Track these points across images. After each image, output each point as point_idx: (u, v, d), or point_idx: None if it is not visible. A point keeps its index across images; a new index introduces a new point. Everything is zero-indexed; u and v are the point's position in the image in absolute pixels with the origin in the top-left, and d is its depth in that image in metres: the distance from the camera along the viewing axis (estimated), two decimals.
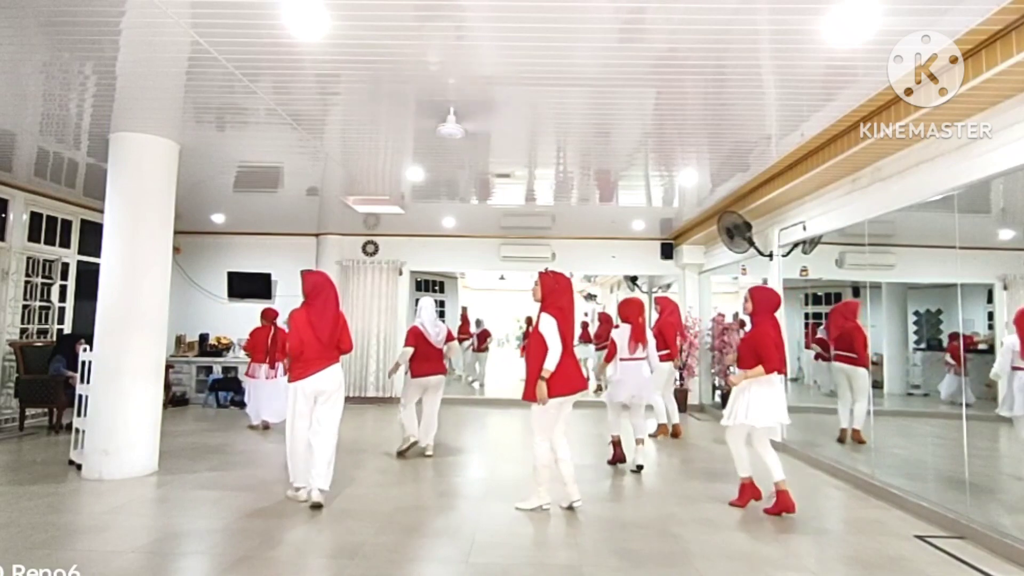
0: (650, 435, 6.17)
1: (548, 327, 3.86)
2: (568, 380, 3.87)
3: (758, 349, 3.94)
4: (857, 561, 3.21)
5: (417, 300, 6.07)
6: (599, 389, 5.99)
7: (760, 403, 3.94)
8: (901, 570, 3.10)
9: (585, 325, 11.37)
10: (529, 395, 3.86)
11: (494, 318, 12.03)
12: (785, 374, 4.24)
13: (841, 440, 5.67)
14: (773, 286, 6.48)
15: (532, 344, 3.93)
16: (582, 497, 4.02)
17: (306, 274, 4.20)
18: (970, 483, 3.82)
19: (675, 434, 6.66)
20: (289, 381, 4.04)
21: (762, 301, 4.11)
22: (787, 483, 3.95)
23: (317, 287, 4.08)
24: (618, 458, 5.27)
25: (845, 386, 5.67)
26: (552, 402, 3.82)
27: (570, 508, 3.97)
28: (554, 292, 3.97)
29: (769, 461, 3.99)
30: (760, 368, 3.90)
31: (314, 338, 3.96)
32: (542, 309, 3.97)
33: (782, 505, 3.91)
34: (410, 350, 5.45)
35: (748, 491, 4.13)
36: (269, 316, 7.09)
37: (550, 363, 3.79)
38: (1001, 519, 3.63)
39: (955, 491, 3.92)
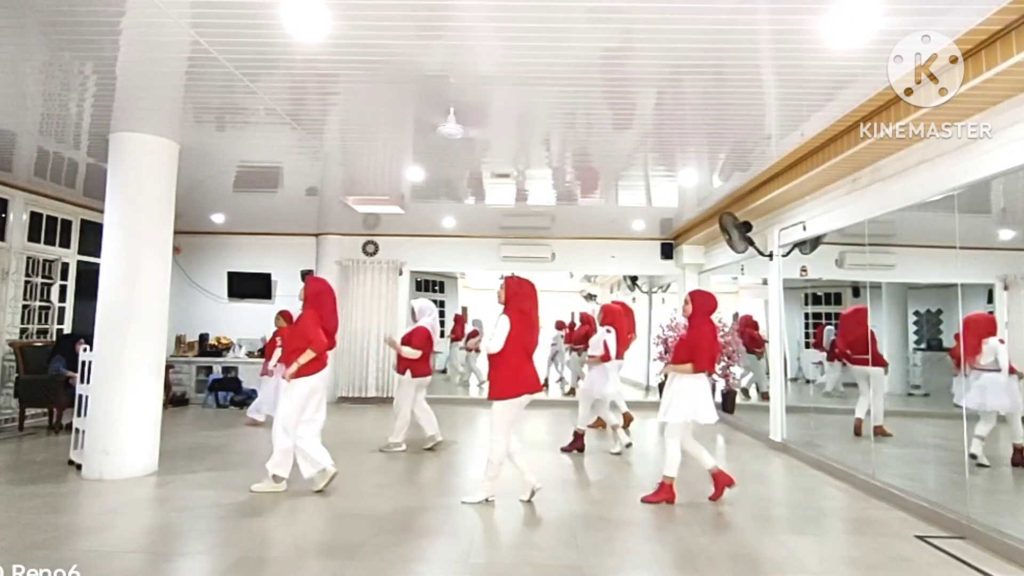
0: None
1: (500, 327, 4.07)
2: (525, 381, 4.08)
3: (694, 349, 4.16)
4: (859, 562, 3.21)
5: (413, 301, 6.15)
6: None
7: (694, 398, 4.15)
8: (902, 571, 3.10)
9: (571, 326, 11.03)
10: (493, 394, 4.07)
11: (494, 318, 11.70)
12: (713, 374, 4.62)
13: (857, 432, 5.82)
14: (773, 286, 6.49)
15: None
16: (582, 498, 4.06)
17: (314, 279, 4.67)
18: (970, 483, 3.81)
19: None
20: (310, 374, 4.27)
21: (701, 304, 4.33)
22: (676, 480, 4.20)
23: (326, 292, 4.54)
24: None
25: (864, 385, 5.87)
26: (513, 401, 4.03)
27: (531, 496, 4.09)
28: (517, 296, 4.16)
29: (698, 453, 4.25)
30: (689, 365, 4.15)
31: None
32: (504, 311, 4.15)
33: (666, 494, 4.15)
34: (419, 352, 5.63)
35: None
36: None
37: (483, 345, 4.16)
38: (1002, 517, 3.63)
39: (955, 491, 3.91)
